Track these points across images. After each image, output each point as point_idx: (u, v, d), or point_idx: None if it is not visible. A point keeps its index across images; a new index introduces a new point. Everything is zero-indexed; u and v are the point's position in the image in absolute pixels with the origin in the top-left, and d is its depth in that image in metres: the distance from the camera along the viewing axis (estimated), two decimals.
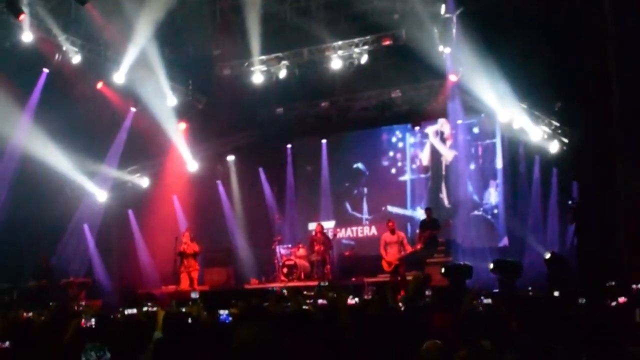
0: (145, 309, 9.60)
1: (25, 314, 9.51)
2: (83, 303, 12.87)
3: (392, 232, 18.07)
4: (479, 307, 8.92)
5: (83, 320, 7.25)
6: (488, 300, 8.99)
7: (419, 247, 18.16)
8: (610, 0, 15.45)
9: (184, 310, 8.78)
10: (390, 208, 22.01)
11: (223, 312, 8.37)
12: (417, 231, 18.81)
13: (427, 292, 11.23)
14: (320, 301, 9.55)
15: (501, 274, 14.52)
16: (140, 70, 18.90)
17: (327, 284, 16.47)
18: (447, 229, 19.14)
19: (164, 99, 19.93)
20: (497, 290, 13.79)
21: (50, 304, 11.36)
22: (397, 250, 17.87)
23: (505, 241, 20.10)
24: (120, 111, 20.14)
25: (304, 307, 8.63)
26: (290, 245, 20.38)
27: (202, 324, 7.85)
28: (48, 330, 7.62)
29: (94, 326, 7.14)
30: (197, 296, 10.98)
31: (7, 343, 6.69)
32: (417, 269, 17.31)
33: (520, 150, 19.74)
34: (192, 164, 21.37)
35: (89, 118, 18.80)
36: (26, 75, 17.90)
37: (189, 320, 7.77)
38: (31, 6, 16.68)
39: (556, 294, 10.12)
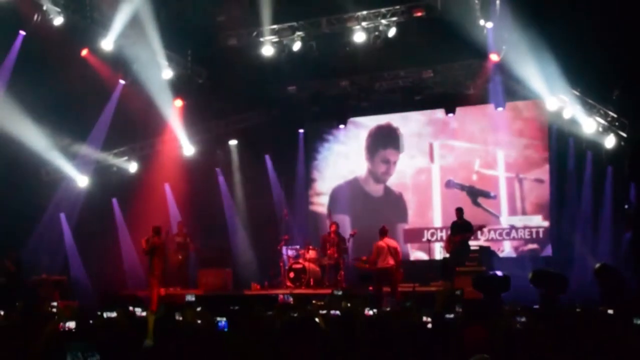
0: (132, 309, 9.64)
1: None
2: (55, 304, 12.86)
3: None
4: (516, 325, 8.88)
5: (60, 323, 7.27)
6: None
7: (447, 252, 18.17)
8: None
9: (176, 315, 8.80)
10: None
11: (221, 319, 8.38)
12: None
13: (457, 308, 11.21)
14: (332, 312, 9.56)
15: (543, 286, 14.50)
16: (131, 36, 18.88)
17: (340, 292, 16.49)
18: None
19: (158, 71, 19.96)
20: (537, 307, 13.78)
21: (17, 303, 11.38)
22: None
23: (548, 249, 20.06)
24: (107, 83, 20.08)
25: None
26: (298, 246, 20.39)
27: (197, 332, 7.87)
28: (17, 334, 7.64)
29: (73, 330, 7.15)
30: (193, 299, 11.02)
31: None
32: (445, 279, 17.26)
33: (570, 144, 19.68)
34: (188, 148, 21.46)
35: (71, 90, 18.79)
36: None
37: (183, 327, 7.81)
38: None
39: (609, 312, 10.08)
